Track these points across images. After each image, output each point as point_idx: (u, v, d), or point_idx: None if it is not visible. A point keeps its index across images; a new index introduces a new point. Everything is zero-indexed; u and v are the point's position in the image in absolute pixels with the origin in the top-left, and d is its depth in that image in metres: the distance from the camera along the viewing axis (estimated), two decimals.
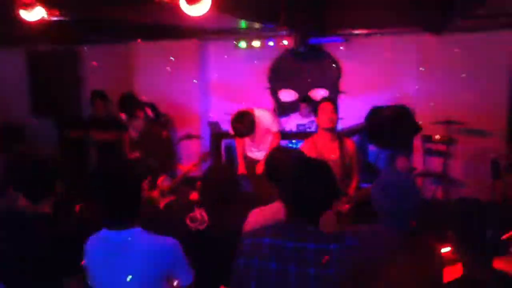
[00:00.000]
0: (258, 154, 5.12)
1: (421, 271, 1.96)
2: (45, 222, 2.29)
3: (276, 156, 2.72)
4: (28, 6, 3.16)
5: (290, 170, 2.03)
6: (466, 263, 1.98)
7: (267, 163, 2.72)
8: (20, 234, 2.26)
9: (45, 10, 3.31)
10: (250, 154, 5.24)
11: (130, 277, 1.98)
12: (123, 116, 6.09)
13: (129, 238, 2.03)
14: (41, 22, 3.78)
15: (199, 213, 2.51)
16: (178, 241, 2.09)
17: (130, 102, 5.78)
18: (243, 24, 5.77)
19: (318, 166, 2.02)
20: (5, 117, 7.18)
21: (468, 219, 1.98)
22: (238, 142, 5.35)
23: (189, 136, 6.50)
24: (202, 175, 2.74)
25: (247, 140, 5.18)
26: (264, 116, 5.01)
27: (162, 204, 4.77)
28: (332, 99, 4.03)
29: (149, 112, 6.01)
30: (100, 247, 2.08)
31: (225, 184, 2.67)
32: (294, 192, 1.96)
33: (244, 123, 4.79)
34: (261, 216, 2.47)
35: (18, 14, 3.28)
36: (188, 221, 2.51)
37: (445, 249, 2.27)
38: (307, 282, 1.81)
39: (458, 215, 2.01)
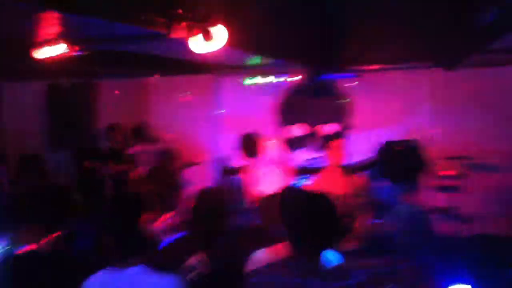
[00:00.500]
0: (269, 186, 5.13)
1: None
2: (46, 262, 2.32)
3: (287, 195, 2.71)
4: (51, 42, 3.29)
5: (292, 206, 2.02)
6: None
7: (281, 202, 2.70)
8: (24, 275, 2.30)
9: (67, 45, 3.46)
10: (260, 187, 5.26)
11: None
12: (136, 147, 6.24)
13: (133, 276, 2.02)
14: (61, 57, 3.93)
15: (195, 260, 2.33)
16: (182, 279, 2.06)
17: (143, 131, 6.00)
18: (255, 60, 5.90)
19: (320, 201, 1.99)
20: (23, 148, 7.32)
21: (488, 256, 1.95)
22: (245, 174, 5.40)
23: (188, 164, 6.60)
24: (192, 205, 2.59)
25: (257, 171, 5.21)
26: (276, 148, 5.17)
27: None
28: (344, 137, 4.03)
29: (160, 144, 6.12)
30: (103, 285, 2.06)
31: (215, 214, 2.50)
32: (298, 227, 1.95)
33: (250, 143, 5.00)
34: (265, 257, 2.44)
35: (41, 51, 3.42)
36: (186, 272, 2.32)
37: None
38: None
39: (477, 252, 2.00)
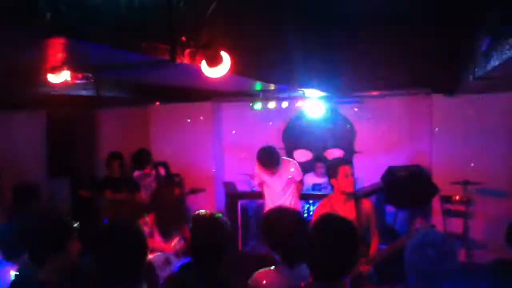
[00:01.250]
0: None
1: None
2: None
3: (273, 217, 2.66)
4: (56, 69, 3.27)
5: (312, 232, 1.99)
6: None
7: (264, 225, 2.65)
8: None
9: (70, 73, 3.43)
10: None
11: None
12: (136, 174, 6.17)
13: None
14: (63, 86, 3.90)
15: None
16: None
17: (143, 157, 5.96)
18: (258, 86, 5.89)
19: (347, 227, 2.00)
20: (22, 178, 7.24)
21: (504, 283, 1.89)
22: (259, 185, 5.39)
23: (193, 191, 6.54)
24: (191, 226, 2.49)
25: (270, 189, 5.18)
26: (291, 163, 5.20)
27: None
28: (351, 162, 3.98)
29: (162, 171, 6.07)
30: None
31: (216, 235, 2.38)
32: (317, 254, 1.93)
33: (273, 155, 4.97)
34: (270, 278, 2.42)
35: (45, 78, 3.39)
36: None
37: None
38: None
39: (492, 278, 1.92)
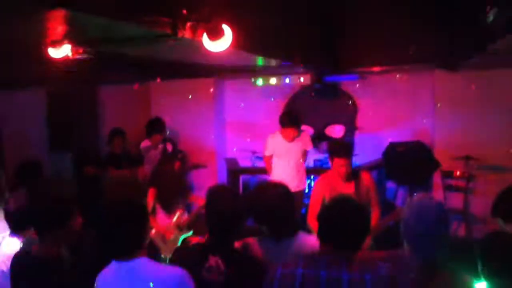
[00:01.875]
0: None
1: None
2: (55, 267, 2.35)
3: (259, 190, 2.67)
4: (56, 43, 3.25)
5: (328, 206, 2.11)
6: None
7: (250, 198, 2.67)
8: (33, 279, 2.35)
9: (71, 47, 3.41)
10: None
11: None
12: (143, 144, 6.18)
13: (136, 268, 2.04)
14: (64, 61, 3.89)
15: (215, 262, 2.27)
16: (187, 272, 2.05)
17: (155, 125, 5.98)
18: (259, 61, 5.86)
19: (354, 204, 2.09)
20: (25, 154, 7.28)
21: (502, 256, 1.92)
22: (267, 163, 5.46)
23: (195, 166, 6.57)
24: (206, 202, 2.49)
25: (283, 160, 5.25)
26: (305, 131, 5.52)
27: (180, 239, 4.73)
28: (348, 155, 3.85)
29: (169, 147, 6.07)
30: (109, 278, 2.08)
31: (229, 212, 2.38)
32: (331, 225, 1.99)
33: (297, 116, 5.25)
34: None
35: (46, 52, 3.37)
36: (205, 274, 2.26)
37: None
38: None
39: (496, 249, 1.95)
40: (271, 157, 5.34)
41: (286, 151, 5.22)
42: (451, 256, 2.29)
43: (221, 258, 2.26)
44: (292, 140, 5.16)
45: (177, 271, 2.05)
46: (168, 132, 6.50)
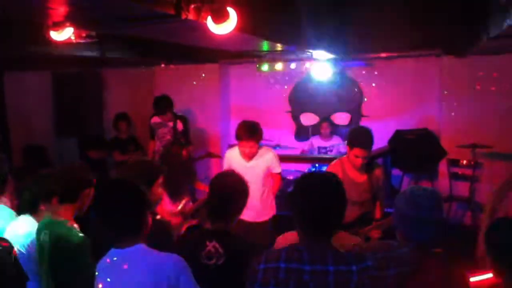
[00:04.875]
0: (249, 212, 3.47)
1: None
2: None
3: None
4: (58, 26, 3.20)
5: (297, 187, 1.97)
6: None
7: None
8: None
9: (74, 30, 3.37)
10: None
11: None
12: (153, 120, 6.14)
13: (133, 255, 2.04)
14: (67, 44, 3.85)
15: (212, 247, 2.31)
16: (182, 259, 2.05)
17: (162, 101, 5.91)
18: (265, 46, 5.79)
19: (325, 180, 1.97)
20: (30, 138, 7.30)
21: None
22: None
23: (209, 155, 6.51)
24: (210, 182, 2.56)
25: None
26: (270, 151, 4.42)
27: (184, 228, 4.70)
28: (368, 146, 3.60)
29: (180, 125, 6.03)
30: (108, 266, 2.09)
31: (233, 189, 2.48)
32: (303, 208, 1.90)
33: (256, 126, 4.22)
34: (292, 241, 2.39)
35: (48, 35, 3.33)
36: (204, 260, 2.31)
37: (480, 277, 2.16)
38: None
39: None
40: None
41: (244, 172, 3.29)
42: (452, 243, 2.27)
43: (219, 243, 2.30)
44: (249, 159, 4.23)
45: (174, 258, 2.04)
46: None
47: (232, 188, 2.46)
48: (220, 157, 6.88)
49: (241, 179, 2.56)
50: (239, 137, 4.17)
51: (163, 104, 5.94)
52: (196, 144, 6.92)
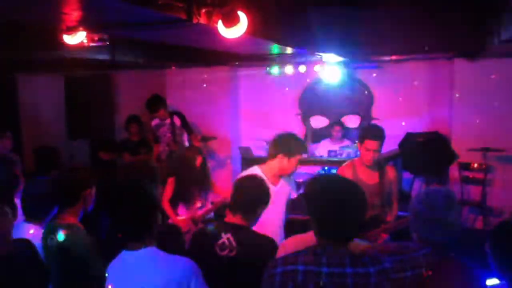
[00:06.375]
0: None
1: None
2: None
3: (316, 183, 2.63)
4: (71, 30, 3.25)
5: (319, 193, 1.94)
6: None
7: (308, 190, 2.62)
8: None
9: (86, 34, 3.42)
10: None
11: None
12: (154, 123, 6.18)
13: (144, 258, 2.04)
14: (80, 47, 3.90)
15: (226, 239, 2.43)
16: (195, 263, 2.07)
17: (153, 100, 5.95)
18: (275, 49, 5.80)
19: (349, 188, 1.95)
20: (42, 140, 7.37)
21: None
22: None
23: (204, 139, 6.54)
24: (234, 182, 2.70)
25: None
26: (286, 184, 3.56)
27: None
28: (381, 138, 3.58)
29: (177, 121, 6.06)
30: (118, 268, 2.10)
31: (256, 190, 2.61)
32: (325, 217, 1.89)
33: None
34: (300, 243, 2.38)
35: (61, 39, 3.38)
36: (217, 250, 2.42)
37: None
38: None
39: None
40: None
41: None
42: (463, 248, 2.25)
43: (233, 236, 2.43)
44: (277, 182, 3.41)
45: (184, 262, 2.06)
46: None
47: (257, 183, 2.61)
48: (215, 138, 6.89)
49: (263, 180, 2.70)
50: (271, 154, 3.45)
51: (154, 102, 6.00)
52: (205, 146, 6.96)
